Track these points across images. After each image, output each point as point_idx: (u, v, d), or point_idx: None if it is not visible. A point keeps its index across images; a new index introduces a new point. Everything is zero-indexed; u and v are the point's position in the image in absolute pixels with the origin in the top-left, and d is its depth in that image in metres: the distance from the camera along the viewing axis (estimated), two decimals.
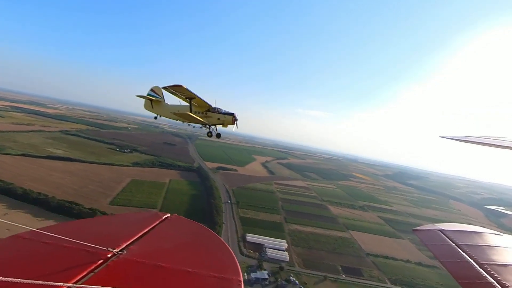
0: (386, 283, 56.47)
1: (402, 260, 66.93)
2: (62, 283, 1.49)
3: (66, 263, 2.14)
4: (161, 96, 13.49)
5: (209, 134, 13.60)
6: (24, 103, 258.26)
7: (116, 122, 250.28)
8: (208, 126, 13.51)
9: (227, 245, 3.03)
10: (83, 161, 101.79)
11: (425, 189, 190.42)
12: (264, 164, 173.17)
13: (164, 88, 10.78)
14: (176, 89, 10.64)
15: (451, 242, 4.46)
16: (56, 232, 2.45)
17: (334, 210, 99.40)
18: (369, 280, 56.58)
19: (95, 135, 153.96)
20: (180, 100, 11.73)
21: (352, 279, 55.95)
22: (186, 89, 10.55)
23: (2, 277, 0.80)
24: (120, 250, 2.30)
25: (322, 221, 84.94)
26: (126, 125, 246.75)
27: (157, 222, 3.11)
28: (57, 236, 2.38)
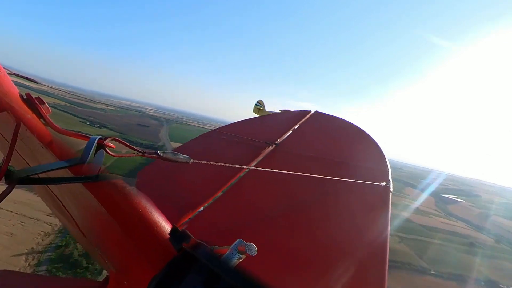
0: None
1: None
2: (242, 166, 1.88)
3: (240, 152, 2.65)
4: (263, 105, 18.10)
5: None
6: None
7: (95, 103, 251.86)
8: None
9: (372, 137, 3.07)
10: None
11: None
12: None
13: (281, 110, 14.04)
14: (284, 111, 16.87)
15: None
16: (227, 131, 3.06)
17: None
18: None
19: (70, 110, 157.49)
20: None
21: None
22: (290, 110, 16.64)
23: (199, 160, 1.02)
24: (275, 143, 2.64)
25: None
26: (104, 106, 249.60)
27: (304, 118, 3.39)
28: (229, 133, 2.96)
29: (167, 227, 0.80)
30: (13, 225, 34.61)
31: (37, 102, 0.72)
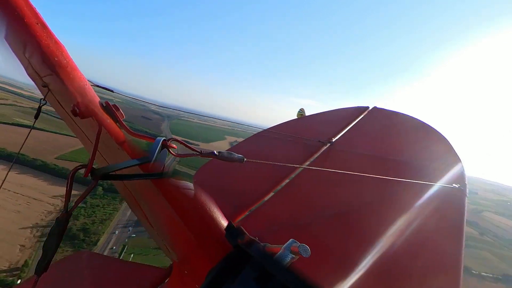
0: None
1: None
2: (295, 165, 1.87)
3: (293, 152, 2.59)
4: (304, 113, 26.60)
5: None
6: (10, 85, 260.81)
7: (103, 94, 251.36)
8: None
9: (442, 134, 2.73)
10: (46, 131, 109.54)
11: None
12: (231, 143, 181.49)
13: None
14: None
15: None
16: (278, 130, 3.01)
17: None
18: None
19: None
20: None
21: None
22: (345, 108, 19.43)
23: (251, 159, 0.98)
24: (330, 142, 2.53)
25: None
26: (111, 98, 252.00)
27: (362, 115, 3.21)
28: (280, 132, 2.88)
29: (223, 223, 0.87)
30: (19, 204, 39.66)
31: (113, 109, 0.81)
